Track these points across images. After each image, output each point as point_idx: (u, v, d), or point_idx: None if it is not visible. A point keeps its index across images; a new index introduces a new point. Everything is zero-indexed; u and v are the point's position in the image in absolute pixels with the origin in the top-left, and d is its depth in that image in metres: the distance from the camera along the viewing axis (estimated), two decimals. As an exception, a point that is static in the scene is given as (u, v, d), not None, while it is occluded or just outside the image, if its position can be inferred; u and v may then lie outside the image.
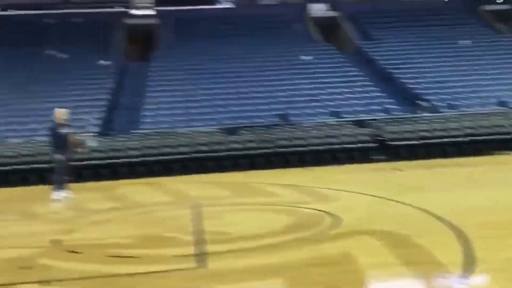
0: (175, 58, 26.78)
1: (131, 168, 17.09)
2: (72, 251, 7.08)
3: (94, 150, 17.26)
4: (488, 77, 23.47)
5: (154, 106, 21.99)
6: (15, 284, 5.92)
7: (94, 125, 20.32)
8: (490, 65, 24.65)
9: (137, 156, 17.34)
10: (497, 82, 22.93)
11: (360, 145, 17.94)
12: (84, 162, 16.48)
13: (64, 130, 12.21)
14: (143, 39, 31.75)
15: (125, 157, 17.26)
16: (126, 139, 18.33)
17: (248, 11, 32.42)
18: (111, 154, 17.31)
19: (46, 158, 16.06)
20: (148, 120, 20.80)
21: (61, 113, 12.44)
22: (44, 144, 17.25)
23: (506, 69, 24.34)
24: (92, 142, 17.44)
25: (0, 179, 16.31)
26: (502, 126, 18.76)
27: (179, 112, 21.37)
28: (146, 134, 18.92)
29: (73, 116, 20.02)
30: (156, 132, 19.12)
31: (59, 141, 12.12)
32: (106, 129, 20.61)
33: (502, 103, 20.98)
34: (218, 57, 26.36)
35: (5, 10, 32.44)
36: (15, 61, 26.66)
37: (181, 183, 14.38)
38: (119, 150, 17.47)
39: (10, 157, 16.88)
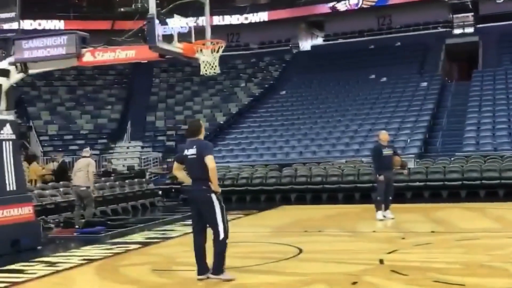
0: (498, 77, 25.30)
1: (452, 191, 16.61)
2: (396, 272, 7.15)
3: (415, 171, 17.29)
4: None
5: (476, 128, 21.08)
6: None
7: (415, 146, 20.38)
8: None
9: (458, 180, 16.76)
10: None
11: None
12: (405, 184, 16.62)
13: (387, 151, 12.48)
14: (463, 58, 30.78)
15: (446, 180, 16.85)
16: (448, 162, 17.90)
17: None
18: (432, 176, 17.08)
19: (368, 178, 16.73)
20: (470, 142, 20.03)
21: (385, 135, 12.73)
22: (366, 164, 17.97)
23: None
24: (413, 164, 17.53)
25: (328, 197, 17.53)
26: None
27: (502, 134, 20.09)
28: (468, 156, 18.21)
29: (395, 137, 20.49)
30: (479, 155, 18.27)
31: (382, 162, 12.42)
32: (427, 150, 20.49)
33: None
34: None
35: (335, 39, 34.88)
36: (341, 86, 28.40)
37: (506, 210, 13.42)
38: (440, 172, 17.14)
39: (336, 176, 17.95)
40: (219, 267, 7.04)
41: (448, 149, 20.20)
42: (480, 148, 19.34)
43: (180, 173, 7.44)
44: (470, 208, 14.04)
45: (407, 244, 9.33)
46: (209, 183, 7.00)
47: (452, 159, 18.22)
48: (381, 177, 12.22)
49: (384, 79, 27.90)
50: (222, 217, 7.04)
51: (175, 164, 7.41)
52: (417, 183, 16.96)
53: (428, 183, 16.95)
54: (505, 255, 8.05)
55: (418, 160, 18.73)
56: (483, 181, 16.47)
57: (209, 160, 6.95)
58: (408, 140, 20.81)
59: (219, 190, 7.09)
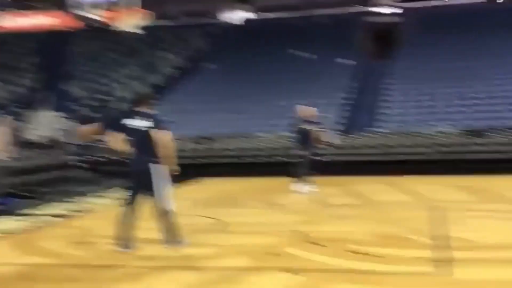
0: (417, 56, 26.12)
1: (370, 166, 17.14)
2: (315, 243, 7.33)
3: (335, 146, 17.69)
4: None
5: (393, 105, 21.75)
6: (263, 268, 6.35)
7: (336, 122, 20.80)
8: None
9: (375, 155, 17.33)
10: None
11: None
12: (325, 158, 16.97)
13: (307, 127, 12.68)
14: (385, 37, 31.46)
15: (364, 154, 17.36)
16: (366, 137, 18.42)
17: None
18: (350, 151, 17.54)
19: (288, 152, 16.97)
20: (387, 119, 20.64)
21: (305, 110, 12.91)
22: (286, 138, 18.20)
23: None
24: (333, 139, 17.91)
25: (247, 170, 17.66)
26: None
27: (418, 112, 20.82)
28: (385, 133, 18.81)
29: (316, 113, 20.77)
30: (395, 131, 18.91)
31: (302, 137, 12.62)
32: (347, 126, 20.95)
33: None
34: (466, 55, 25.08)
35: (265, 14, 34.69)
36: (267, 62, 28.44)
37: (418, 184, 14.01)
38: (358, 147, 17.63)
39: (257, 149, 18.08)
40: (174, 238, 7.05)
41: (368, 125, 20.75)
42: (397, 124, 19.97)
43: (117, 144, 7.15)
44: (386, 183, 14.56)
45: (325, 216, 9.58)
46: (156, 154, 6.87)
47: (371, 135, 18.74)
48: (301, 151, 12.39)
49: (309, 55, 28.15)
50: (166, 188, 7.02)
51: (114, 135, 7.13)
52: (338, 158, 17.36)
53: (348, 157, 17.41)
54: (415, 227, 8.41)
55: (338, 135, 19.15)
56: (399, 156, 17.09)
57: (164, 132, 6.87)
58: (329, 116, 21.18)
59: (172, 162, 6.97)
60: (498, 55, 24.27)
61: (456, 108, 20.40)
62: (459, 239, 7.36)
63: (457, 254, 6.47)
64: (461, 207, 10.19)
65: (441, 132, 18.13)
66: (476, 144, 16.96)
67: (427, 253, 6.57)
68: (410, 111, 21.02)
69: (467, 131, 17.98)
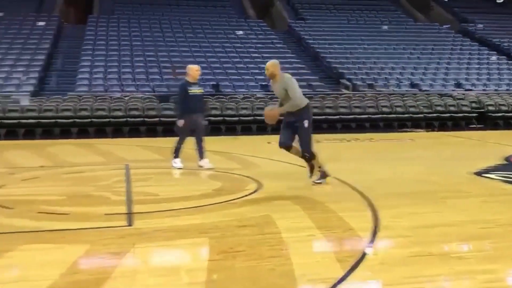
0: (111, 23, 26.04)
1: (64, 128, 16.64)
2: (2, 206, 6.83)
3: (28, 109, 16.68)
4: (404, 60, 24.20)
5: (89, 70, 21.37)
6: None
7: (30, 84, 19.60)
8: (407, 49, 25.45)
9: (70, 117, 16.86)
10: (411, 65, 23.67)
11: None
12: (18, 121, 15.96)
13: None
14: (81, 1, 30.59)
15: (58, 117, 16.74)
16: (61, 101, 17.76)
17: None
18: (44, 114, 16.75)
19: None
20: (82, 83, 20.22)
21: (196, 69, 10.04)
22: None
23: (421, 54, 25.12)
24: (25, 101, 16.85)
25: None
26: (413, 106, 19.48)
27: (113, 77, 20.87)
28: (80, 96, 18.41)
29: (9, 75, 19.31)
30: (89, 95, 18.64)
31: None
32: (41, 89, 19.93)
33: (414, 85, 21.74)
34: (154, 26, 25.89)
35: None
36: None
37: (113, 145, 14.10)
38: (52, 110, 16.90)
39: None
40: None
41: (62, 88, 20.01)
42: (92, 88, 19.71)
43: None
44: (80, 144, 14.28)
45: (15, 179, 8.98)
46: None
47: (65, 98, 18.11)
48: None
49: (1, 14, 25.73)
50: None
51: None
52: (30, 121, 16.42)
53: (41, 120, 16.58)
54: (107, 185, 8.46)
55: (32, 98, 18.06)
56: (93, 119, 16.93)
57: None
58: (25, 78, 19.84)
59: None
60: (177, 29, 25.77)
61: (146, 75, 21.02)
62: (144, 193, 7.65)
63: (140, 208, 6.71)
64: (148, 165, 10.58)
65: (132, 97, 18.46)
66: (165, 108, 17.72)
67: (119, 209, 6.67)
68: (103, 76, 20.94)
69: (156, 96, 18.66)
